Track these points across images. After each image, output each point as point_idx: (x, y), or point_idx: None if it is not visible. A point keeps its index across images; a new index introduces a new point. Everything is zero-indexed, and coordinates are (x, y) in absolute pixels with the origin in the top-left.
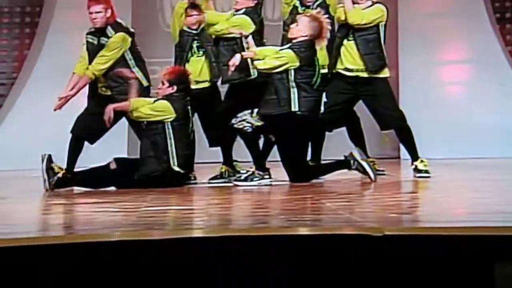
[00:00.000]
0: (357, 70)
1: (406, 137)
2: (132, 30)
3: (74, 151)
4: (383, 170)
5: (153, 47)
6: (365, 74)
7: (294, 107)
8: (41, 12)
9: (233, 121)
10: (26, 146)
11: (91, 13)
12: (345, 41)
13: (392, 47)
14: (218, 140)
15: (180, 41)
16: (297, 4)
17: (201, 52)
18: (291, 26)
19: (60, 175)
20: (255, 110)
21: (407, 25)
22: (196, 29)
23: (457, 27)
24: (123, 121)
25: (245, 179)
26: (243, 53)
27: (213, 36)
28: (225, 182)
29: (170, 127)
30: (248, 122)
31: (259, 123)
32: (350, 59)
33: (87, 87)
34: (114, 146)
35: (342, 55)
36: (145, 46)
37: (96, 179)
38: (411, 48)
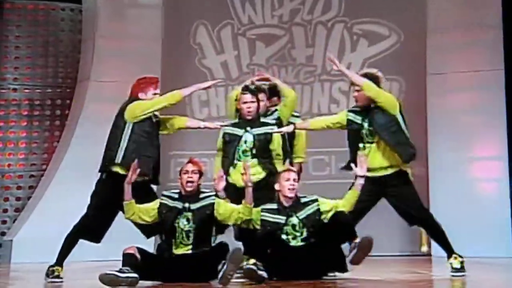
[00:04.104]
0: (381, 169)
1: (436, 234)
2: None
3: (70, 247)
4: None
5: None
6: (389, 171)
7: None
8: (71, 105)
9: None
10: (53, 238)
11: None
12: (367, 144)
13: (422, 144)
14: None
15: None
16: None
17: None
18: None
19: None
20: None
21: (436, 123)
22: None
23: (487, 123)
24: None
25: None
26: None
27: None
28: None
29: None
30: None
31: None
32: (374, 159)
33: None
34: None
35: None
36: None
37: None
38: (441, 146)
